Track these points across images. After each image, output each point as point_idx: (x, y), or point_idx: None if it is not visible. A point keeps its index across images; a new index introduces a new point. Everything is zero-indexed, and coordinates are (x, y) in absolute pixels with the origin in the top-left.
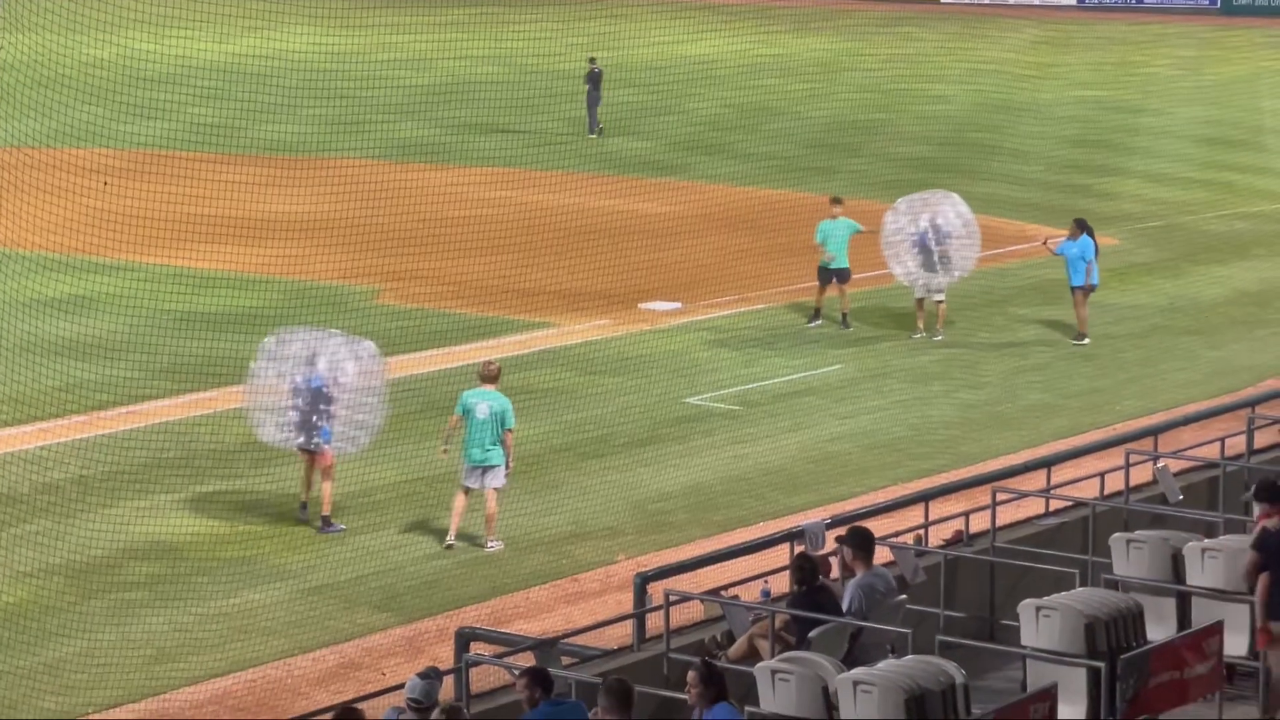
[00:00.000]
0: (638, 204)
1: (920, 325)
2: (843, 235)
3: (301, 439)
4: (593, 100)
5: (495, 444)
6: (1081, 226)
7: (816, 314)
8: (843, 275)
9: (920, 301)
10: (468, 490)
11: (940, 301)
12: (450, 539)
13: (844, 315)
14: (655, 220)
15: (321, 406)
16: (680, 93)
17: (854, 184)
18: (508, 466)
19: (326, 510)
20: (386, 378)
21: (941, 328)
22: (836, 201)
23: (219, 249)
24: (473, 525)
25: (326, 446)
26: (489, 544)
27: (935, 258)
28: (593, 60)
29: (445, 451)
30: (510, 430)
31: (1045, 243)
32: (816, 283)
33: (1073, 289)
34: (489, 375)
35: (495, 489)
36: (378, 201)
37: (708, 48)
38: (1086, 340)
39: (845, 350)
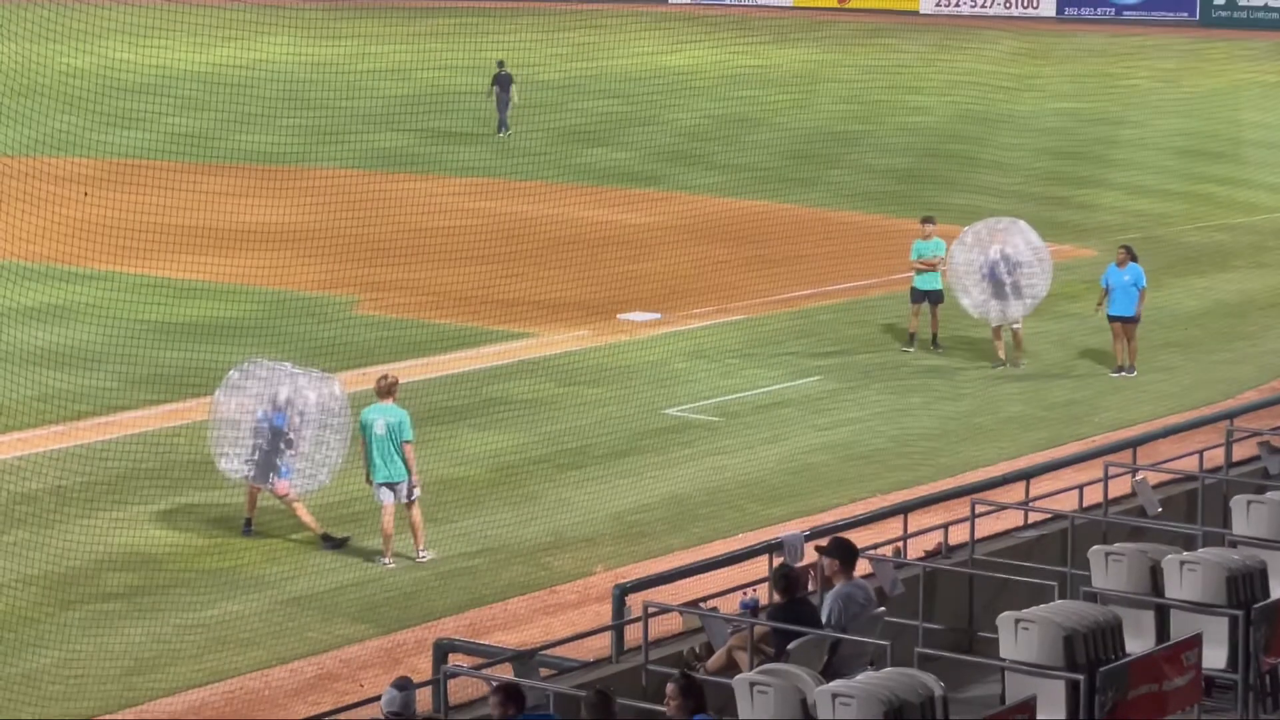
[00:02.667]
0: (617, 214)
1: (1000, 354)
2: (936, 256)
3: (258, 476)
4: (502, 102)
5: (396, 458)
6: (1130, 254)
7: (912, 339)
8: (937, 296)
9: (998, 330)
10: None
11: (1017, 328)
12: (387, 559)
13: (934, 336)
14: (634, 231)
15: (281, 445)
16: (660, 103)
17: (834, 195)
18: (412, 479)
19: (318, 530)
20: (349, 417)
21: (1021, 355)
22: (929, 220)
23: (197, 259)
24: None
25: (283, 483)
26: (420, 555)
27: (1007, 287)
28: (501, 64)
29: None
30: (408, 443)
31: (1098, 308)
32: (910, 305)
33: (1120, 320)
34: (385, 390)
35: (415, 500)
36: (356, 211)
37: (687, 58)
38: (1135, 372)
39: (824, 362)
